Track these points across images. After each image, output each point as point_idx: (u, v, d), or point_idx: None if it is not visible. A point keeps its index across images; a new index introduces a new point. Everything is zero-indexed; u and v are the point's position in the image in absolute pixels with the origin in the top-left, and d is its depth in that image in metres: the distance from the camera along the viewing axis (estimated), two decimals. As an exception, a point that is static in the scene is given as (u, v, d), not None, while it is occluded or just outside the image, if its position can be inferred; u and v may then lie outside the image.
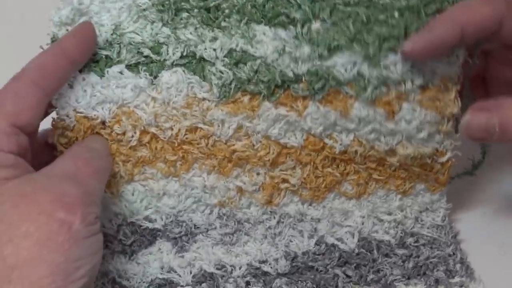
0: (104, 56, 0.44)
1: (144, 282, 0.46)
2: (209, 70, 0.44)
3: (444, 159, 0.47)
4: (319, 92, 0.43)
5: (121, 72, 0.44)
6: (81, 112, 0.44)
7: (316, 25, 0.42)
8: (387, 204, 0.48)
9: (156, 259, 0.46)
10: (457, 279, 0.48)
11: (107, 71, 0.44)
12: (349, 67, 0.43)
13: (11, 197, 0.37)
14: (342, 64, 0.43)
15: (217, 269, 0.46)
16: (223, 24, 0.43)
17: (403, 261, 0.48)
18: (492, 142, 0.45)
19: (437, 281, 0.48)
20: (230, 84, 0.44)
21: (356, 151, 0.45)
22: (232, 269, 0.46)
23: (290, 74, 0.43)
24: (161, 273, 0.45)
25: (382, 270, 0.47)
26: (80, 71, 0.44)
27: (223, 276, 0.46)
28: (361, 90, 0.43)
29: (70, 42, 0.42)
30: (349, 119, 0.44)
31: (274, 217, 0.47)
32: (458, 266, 0.48)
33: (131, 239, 0.45)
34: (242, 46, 0.43)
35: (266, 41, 0.43)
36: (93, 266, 0.37)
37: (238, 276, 0.46)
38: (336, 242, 0.47)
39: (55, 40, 0.44)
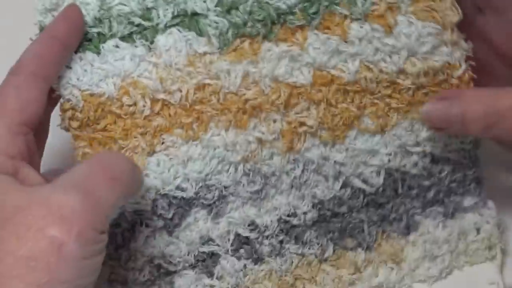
0: (96, 34, 0.43)
1: (189, 259, 0.45)
2: (203, 23, 0.43)
3: (459, 72, 0.45)
4: (314, 17, 0.43)
5: (116, 45, 0.43)
6: (86, 90, 0.43)
7: None
8: (414, 135, 0.46)
9: (195, 229, 0.44)
10: (469, 201, 0.48)
11: (103, 47, 0.43)
12: None
13: (5, 209, 0.34)
14: None
15: (251, 231, 0.45)
16: None
17: (426, 191, 0.47)
18: (454, 133, 0.45)
19: (455, 209, 0.47)
20: (227, 31, 0.43)
21: (366, 78, 0.44)
22: (265, 229, 0.45)
23: (284, 6, 0.43)
24: (201, 246, 0.45)
25: (403, 204, 0.47)
26: (76, 52, 0.43)
27: (257, 238, 0.45)
28: (351, 4, 0.43)
29: (60, 27, 0.42)
30: (350, 42, 0.44)
31: (298, 166, 0.45)
32: (473, 185, 0.48)
33: (171, 212, 0.44)
34: None
35: None
36: None
37: (272, 236, 0.45)
38: (361, 185, 0.46)
39: (43, 28, 0.43)
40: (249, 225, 0.45)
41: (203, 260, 0.45)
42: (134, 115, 0.44)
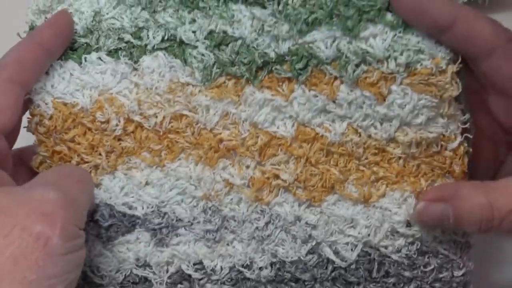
0: (83, 44, 0.43)
1: (117, 277, 0.43)
2: (190, 54, 0.42)
3: (454, 144, 0.42)
4: (302, 73, 0.42)
5: (100, 58, 0.43)
6: (59, 98, 0.43)
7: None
8: (404, 212, 0.43)
9: (133, 249, 0.43)
10: None
11: (85, 58, 0.43)
12: (329, 42, 0.41)
13: None
14: (321, 39, 0.41)
15: (196, 270, 0.43)
16: (201, 4, 0.42)
17: (405, 284, 0.43)
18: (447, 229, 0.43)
19: None
20: (212, 67, 0.42)
21: (352, 141, 0.42)
22: (211, 272, 0.43)
23: (272, 55, 0.42)
24: (136, 268, 0.43)
25: None
26: (58, 58, 0.43)
27: (201, 279, 0.43)
28: (342, 69, 0.41)
29: (47, 33, 0.41)
30: (338, 103, 0.42)
31: (264, 217, 0.43)
32: None
33: (108, 222, 0.43)
34: (221, 27, 0.42)
35: (244, 21, 0.41)
36: (69, 283, 0.35)
37: (218, 282, 0.43)
38: (331, 256, 0.43)
39: (33, 28, 0.43)
40: (195, 264, 0.43)
41: (134, 283, 0.44)
42: (105, 132, 0.43)
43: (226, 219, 0.43)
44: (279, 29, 0.41)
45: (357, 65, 0.41)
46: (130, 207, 0.43)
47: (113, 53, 0.43)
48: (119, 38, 0.43)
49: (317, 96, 0.42)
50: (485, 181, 0.41)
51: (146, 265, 0.43)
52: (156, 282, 0.43)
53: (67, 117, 0.43)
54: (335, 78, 0.42)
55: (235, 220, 0.43)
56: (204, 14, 0.42)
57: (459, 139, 0.42)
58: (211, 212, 0.43)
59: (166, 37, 0.43)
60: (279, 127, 0.42)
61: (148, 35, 0.43)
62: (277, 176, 0.43)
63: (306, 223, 0.43)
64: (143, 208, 0.43)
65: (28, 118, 0.44)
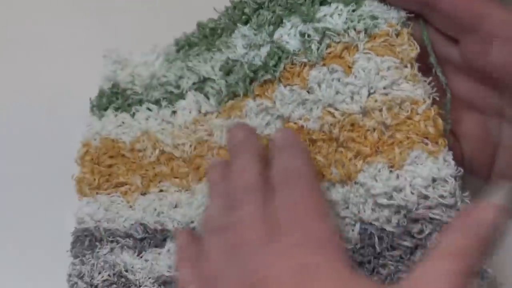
0: (138, 99, 0.52)
1: (150, 278, 0.46)
2: (209, 86, 0.50)
3: (423, 107, 0.42)
4: (276, 70, 0.45)
5: (148, 108, 0.51)
6: (106, 136, 0.51)
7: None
8: (382, 184, 0.42)
9: (165, 258, 0.46)
10: None
11: (136, 109, 0.51)
12: (292, 33, 0.45)
13: None
14: (285, 33, 0.46)
15: None
16: (217, 43, 0.50)
17: (411, 254, 0.42)
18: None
19: None
20: (222, 92, 0.49)
21: (327, 123, 0.43)
22: None
23: (258, 63, 0.47)
24: (168, 271, 0.46)
25: (387, 267, 0.42)
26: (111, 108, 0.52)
27: None
28: (308, 51, 0.45)
29: None
30: (310, 89, 0.44)
31: None
32: None
33: (141, 235, 0.47)
34: (229, 55, 0.49)
35: (237, 42, 0.49)
36: None
37: None
38: None
39: (102, 95, 0.52)
40: None
41: (165, 282, 0.46)
42: (141, 160, 0.50)
43: None
44: (256, 38, 0.48)
45: (320, 42, 0.44)
46: (162, 224, 0.47)
47: (156, 101, 0.51)
48: (165, 91, 0.51)
49: (292, 90, 0.45)
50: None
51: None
52: None
53: (110, 148, 0.50)
54: (305, 65, 0.45)
55: None
56: (218, 49, 0.50)
57: (428, 101, 0.42)
58: None
59: (196, 80, 0.51)
60: (271, 129, 0.46)
61: (183, 82, 0.51)
62: None
63: None
64: (173, 226, 0.47)
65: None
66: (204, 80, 0.50)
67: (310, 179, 0.40)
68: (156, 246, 0.47)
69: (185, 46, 0.52)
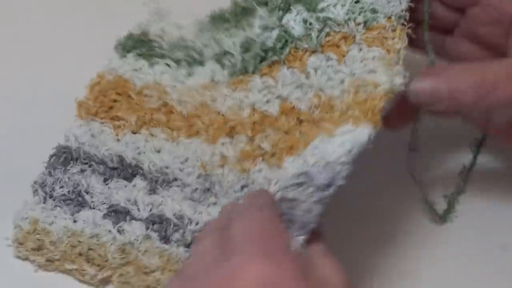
0: (160, 53, 0.54)
1: (105, 203, 0.46)
2: (228, 59, 0.52)
3: (379, 89, 0.42)
4: (282, 52, 0.48)
5: (167, 64, 0.53)
6: (122, 74, 0.52)
7: None
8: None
9: (127, 191, 0.47)
10: None
11: (157, 60, 0.53)
12: (297, 19, 0.47)
13: None
14: (292, 19, 0.48)
15: (176, 217, 0.46)
16: (242, 21, 0.53)
17: None
18: (444, 110, 0.43)
19: None
20: (236, 66, 0.51)
21: (313, 104, 0.45)
22: (188, 223, 0.46)
23: (270, 44, 0.49)
24: (125, 203, 0.46)
25: None
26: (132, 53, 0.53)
27: (177, 225, 0.46)
28: (308, 38, 0.47)
29: None
30: (307, 73, 0.46)
31: (246, 187, 0.46)
32: None
33: (114, 165, 0.48)
34: (248, 34, 0.52)
35: (254, 22, 0.51)
36: None
37: (190, 230, 0.46)
38: None
39: (130, 37, 0.54)
40: (175, 213, 0.46)
41: (118, 212, 0.46)
42: (144, 103, 0.51)
43: (213, 184, 0.47)
44: (269, 20, 0.50)
45: (320, 31, 0.47)
46: (138, 162, 0.48)
47: (178, 61, 0.53)
48: (187, 55, 0.53)
49: (293, 73, 0.47)
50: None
51: (134, 202, 0.47)
52: (136, 217, 0.46)
53: (120, 85, 0.51)
54: (306, 51, 0.47)
55: (220, 186, 0.47)
56: (242, 28, 0.52)
57: (384, 86, 0.42)
58: (203, 177, 0.47)
59: (217, 51, 0.53)
60: (269, 106, 0.48)
61: (207, 51, 0.53)
62: (260, 147, 0.47)
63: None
64: (148, 166, 0.48)
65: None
66: (225, 53, 0.52)
67: (268, 209, 0.39)
68: (124, 178, 0.48)
69: (217, 20, 0.54)
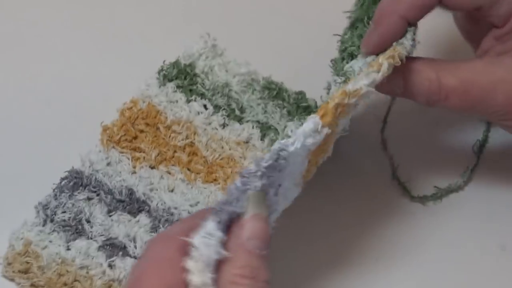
0: (202, 92, 0.52)
1: (103, 235, 0.45)
2: (272, 135, 0.51)
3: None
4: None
5: (205, 106, 0.51)
6: (156, 104, 0.51)
7: None
8: None
9: (129, 226, 0.46)
10: None
11: (194, 98, 0.51)
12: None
13: None
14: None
15: None
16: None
17: None
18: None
19: None
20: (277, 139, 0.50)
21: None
22: None
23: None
24: (123, 239, 0.45)
25: None
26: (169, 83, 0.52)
27: None
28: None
29: None
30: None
31: None
32: None
33: (122, 197, 0.47)
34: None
35: None
36: None
37: None
38: None
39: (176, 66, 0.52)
40: None
41: (114, 246, 0.45)
42: (170, 139, 0.50)
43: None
44: None
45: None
46: (147, 198, 0.47)
47: (216, 107, 0.51)
48: (229, 106, 0.51)
49: None
50: (438, 59, 0.44)
51: (131, 239, 0.45)
52: (132, 253, 0.45)
53: (151, 116, 0.50)
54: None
55: None
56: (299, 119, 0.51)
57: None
58: None
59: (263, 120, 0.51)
60: None
61: (250, 112, 0.51)
62: None
63: None
64: (157, 204, 0.47)
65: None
66: (270, 127, 0.51)
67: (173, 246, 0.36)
68: (129, 212, 0.47)
69: (272, 91, 0.52)
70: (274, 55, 0.56)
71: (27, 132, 0.52)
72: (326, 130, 0.38)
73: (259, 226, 0.34)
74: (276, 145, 0.36)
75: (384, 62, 0.40)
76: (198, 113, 0.51)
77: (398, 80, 0.43)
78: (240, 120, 0.51)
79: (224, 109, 0.51)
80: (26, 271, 0.44)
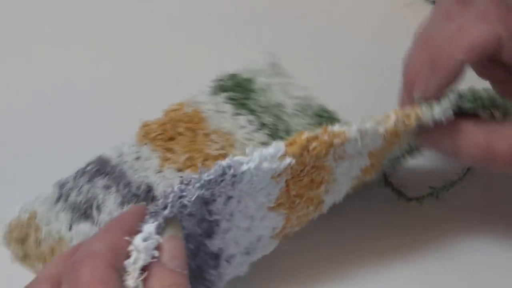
0: (245, 103, 0.51)
1: None
2: None
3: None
4: None
5: (251, 122, 0.50)
6: (202, 112, 0.50)
7: None
8: None
9: None
10: None
11: (243, 113, 0.50)
12: None
13: None
14: None
15: None
16: None
17: None
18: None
19: None
20: None
21: None
22: None
23: None
24: None
25: None
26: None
27: None
28: None
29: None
30: None
31: None
32: None
33: (139, 192, 0.46)
34: None
35: None
36: None
37: None
38: None
39: (234, 78, 0.52)
40: None
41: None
42: (205, 147, 0.48)
43: None
44: None
45: None
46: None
47: (262, 124, 0.50)
48: (275, 126, 0.49)
49: None
50: (489, 122, 0.42)
51: None
52: None
53: (194, 122, 0.49)
54: None
55: None
56: None
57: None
58: None
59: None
60: None
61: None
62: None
63: None
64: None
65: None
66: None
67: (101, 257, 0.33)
68: None
69: (324, 119, 0.50)
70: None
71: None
72: (289, 160, 0.36)
73: (179, 247, 0.34)
74: (225, 161, 0.35)
75: (391, 116, 0.39)
76: (242, 127, 0.49)
77: (446, 140, 0.42)
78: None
79: (270, 127, 0.49)
80: (22, 241, 0.44)
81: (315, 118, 0.50)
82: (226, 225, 0.38)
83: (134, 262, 0.32)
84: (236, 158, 0.35)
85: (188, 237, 0.37)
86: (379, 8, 0.63)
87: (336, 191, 0.43)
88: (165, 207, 0.34)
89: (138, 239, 0.32)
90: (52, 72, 0.56)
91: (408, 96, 0.42)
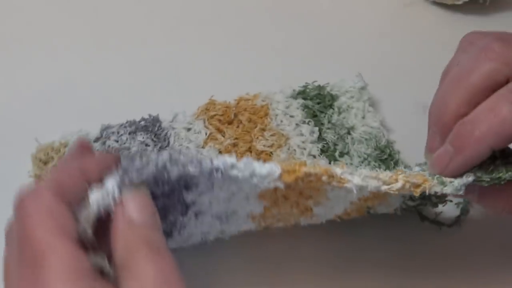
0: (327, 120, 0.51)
1: None
2: None
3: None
4: None
5: (312, 133, 0.50)
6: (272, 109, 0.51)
7: None
8: None
9: None
10: None
11: (312, 123, 0.51)
12: None
13: None
14: None
15: None
16: None
17: None
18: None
19: None
20: None
21: None
22: None
23: None
24: None
25: None
26: None
27: None
28: None
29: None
30: None
31: None
32: None
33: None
34: None
35: None
36: None
37: None
38: None
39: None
40: None
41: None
42: (254, 139, 0.49)
43: None
44: None
45: None
46: None
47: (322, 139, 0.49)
48: (334, 143, 0.49)
49: None
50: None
51: None
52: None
53: (261, 114, 0.50)
54: None
55: None
56: None
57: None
58: None
59: None
60: None
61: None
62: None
63: None
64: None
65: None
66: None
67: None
68: None
69: (384, 155, 0.49)
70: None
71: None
72: (279, 184, 0.35)
73: (146, 202, 0.32)
74: (216, 161, 0.34)
75: (399, 181, 0.37)
76: (301, 135, 0.49)
77: (473, 198, 0.41)
78: (331, 161, 0.48)
79: (327, 144, 0.49)
80: (45, 162, 0.46)
81: (376, 151, 0.49)
82: (204, 189, 0.36)
83: (87, 208, 0.32)
84: (229, 160, 0.34)
85: (164, 182, 0.35)
86: (379, 8, 0.61)
87: (329, 207, 0.41)
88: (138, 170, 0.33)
89: (95, 188, 0.32)
90: (52, 72, 0.56)
91: (442, 142, 0.40)
